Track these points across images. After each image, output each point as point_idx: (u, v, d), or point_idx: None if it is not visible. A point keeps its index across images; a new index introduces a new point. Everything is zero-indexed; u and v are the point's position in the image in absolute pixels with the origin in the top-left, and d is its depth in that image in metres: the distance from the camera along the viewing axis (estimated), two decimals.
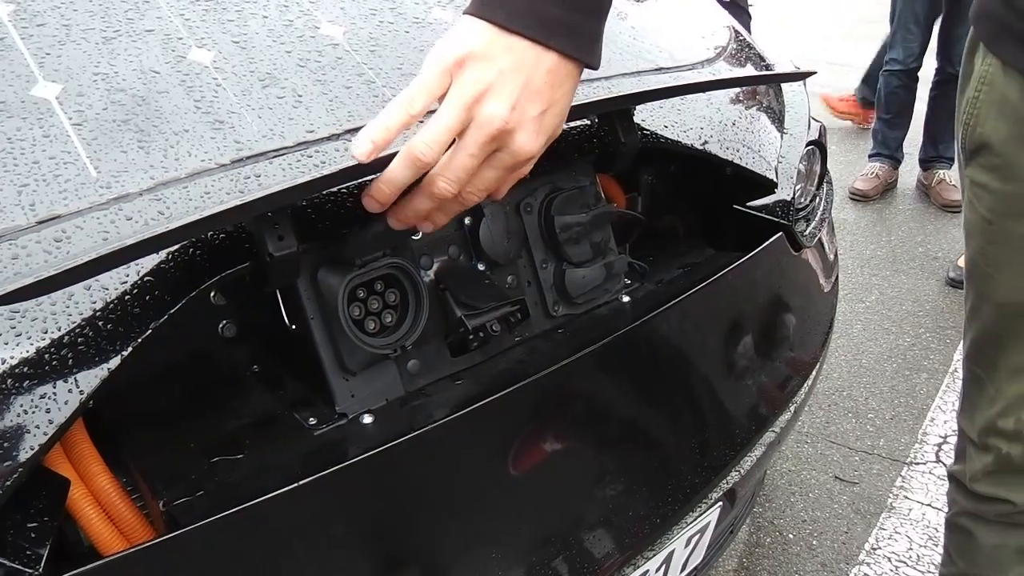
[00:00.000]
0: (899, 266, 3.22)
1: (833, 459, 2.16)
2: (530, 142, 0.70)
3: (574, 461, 0.96)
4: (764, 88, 1.31)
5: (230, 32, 0.94)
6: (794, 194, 1.24)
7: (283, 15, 0.99)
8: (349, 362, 0.81)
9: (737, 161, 1.14)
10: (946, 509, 1.33)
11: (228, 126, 0.82)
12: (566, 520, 0.96)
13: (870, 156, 3.96)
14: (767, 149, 1.22)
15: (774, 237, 1.14)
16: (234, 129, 0.82)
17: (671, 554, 1.14)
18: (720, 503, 1.18)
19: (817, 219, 1.33)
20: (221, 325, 0.89)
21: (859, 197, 3.81)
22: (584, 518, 0.97)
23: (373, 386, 0.83)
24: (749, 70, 1.35)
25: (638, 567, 1.06)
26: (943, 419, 2.33)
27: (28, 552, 0.61)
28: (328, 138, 0.84)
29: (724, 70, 1.25)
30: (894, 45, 3.77)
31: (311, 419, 0.81)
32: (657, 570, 1.13)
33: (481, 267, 0.91)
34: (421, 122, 0.68)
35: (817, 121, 1.39)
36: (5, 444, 0.60)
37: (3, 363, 0.62)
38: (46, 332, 0.64)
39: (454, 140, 0.68)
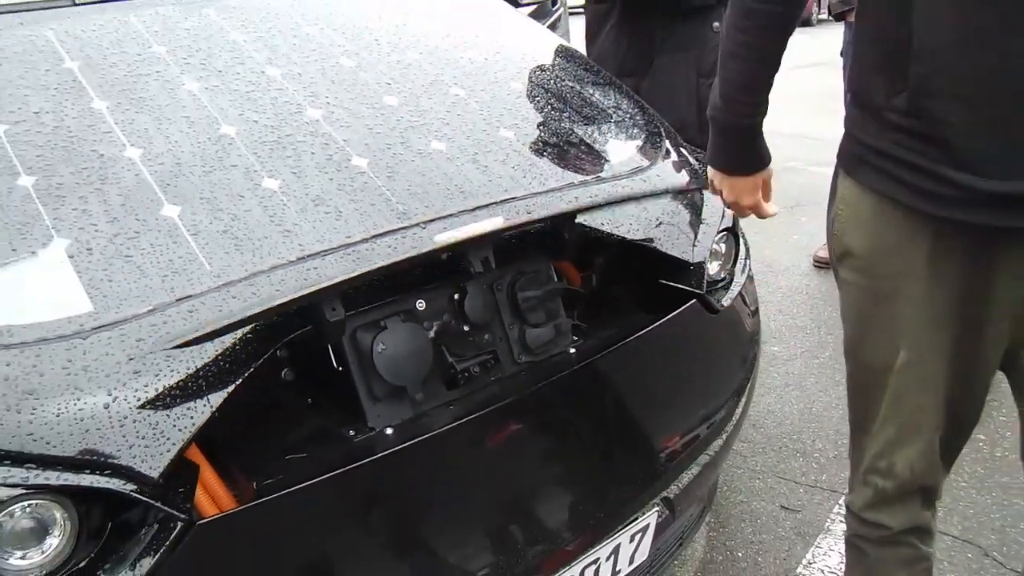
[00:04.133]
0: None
1: (781, 491, 2.52)
2: None
3: (536, 464, 1.34)
4: (685, 192, 1.71)
5: (289, 165, 1.35)
6: (708, 270, 1.63)
7: (325, 151, 1.40)
8: (376, 392, 1.20)
9: (660, 248, 1.53)
10: None
11: (293, 234, 1.22)
12: (532, 510, 1.33)
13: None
14: (686, 237, 1.62)
15: (688, 304, 1.53)
16: (297, 236, 1.22)
17: (618, 547, 1.50)
18: (656, 508, 1.55)
19: (733, 288, 1.72)
20: (283, 371, 1.28)
21: (821, 264, 4.21)
22: (545, 510, 1.35)
23: (393, 409, 1.22)
24: (680, 176, 1.75)
25: (590, 554, 1.42)
26: None
27: (182, 504, 0.99)
28: (360, 241, 1.24)
29: (653, 177, 1.65)
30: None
31: (351, 431, 1.20)
32: (607, 558, 1.49)
33: (466, 328, 1.30)
34: None
35: (730, 211, 1.79)
36: (168, 436, 0.99)
37: (167, 388, 1.01)
38: (194, 370, 1.03)
39: None
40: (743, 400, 1.83)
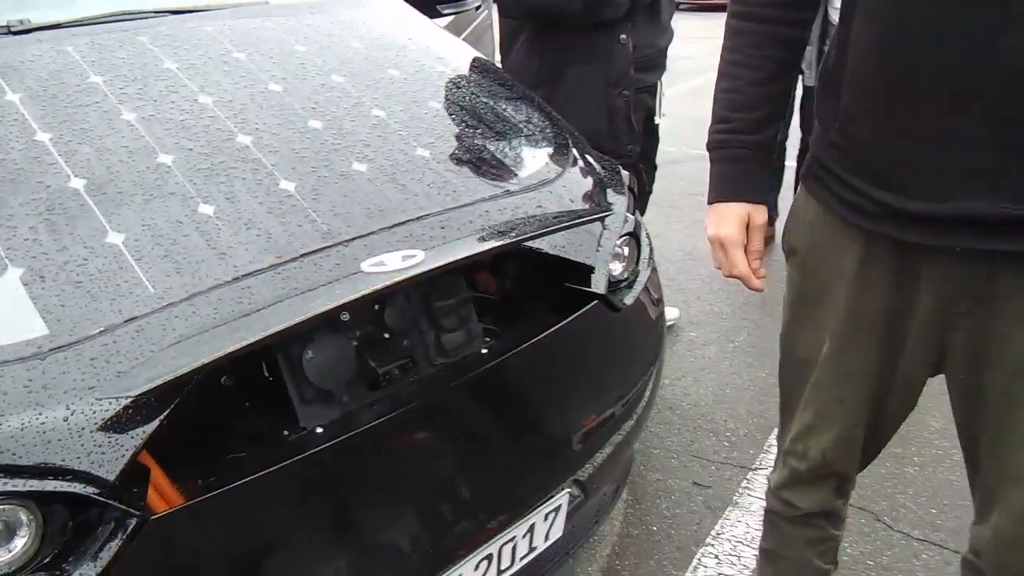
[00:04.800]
0: (767, 309, 3.81)
1: (694, 469, 2.71)
2: None
3: (454, 454, 1.50)
4: (590, 196, 1.87)
5: (222, 191, 1.48)
6: (610, 272, 1.79)
7: (255, 176, 1.54)
8: (307, 396, 1.34)
9: (564, 255, 1.69)
10: None
11: (228, 256, 1.36)
12: (452, 496, 1.49)
13: None
14: (590, 242, 1.78)
15: (590, 304, 1.69)
16: (231, 258, 1.36)
17: (533, 526, 1.66)
18: (568, 490, 1.71)
19: (636, 287, 1.88)
20: (223, 378, 1.42)
21: None
22: (464, 495, 1.51)
23: (322, 410, 1.36)
24: (585, 186, 1.92)
25: (507, 533, 1.59)
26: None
27: (136, 503, 1.13)
28: (289, 260, 1.38)
29: (560, 188, 1.81)
30: None
31: (285, 432, 1.34)
32: (524, 536, 1.65)
33: (387, 335, 1.45)
34: None
35: (633, 217, 1.96)
36: (122, 443, 1.12)
37: (127, 400, 1.14)
38: (147, 384, 1.17)
39: None
40: (649, 388, 2.01)
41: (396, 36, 2.29)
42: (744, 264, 1.48)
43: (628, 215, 1.94)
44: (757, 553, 1.87)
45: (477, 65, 2.33)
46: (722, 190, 1.46)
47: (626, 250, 1.89)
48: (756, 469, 2.71)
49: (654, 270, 2.07)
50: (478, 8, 4.22)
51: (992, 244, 1.18)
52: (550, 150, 1.98)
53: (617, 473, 2.05)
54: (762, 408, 3.04)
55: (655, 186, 3.58)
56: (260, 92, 1.79)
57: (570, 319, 1.64)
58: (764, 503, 2.51)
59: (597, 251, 1.76)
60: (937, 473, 2.67)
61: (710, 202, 1.49)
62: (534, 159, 1.90)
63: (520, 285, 1.75)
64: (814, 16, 1.40)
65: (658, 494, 2.60)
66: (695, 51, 12.02)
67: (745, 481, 2.65)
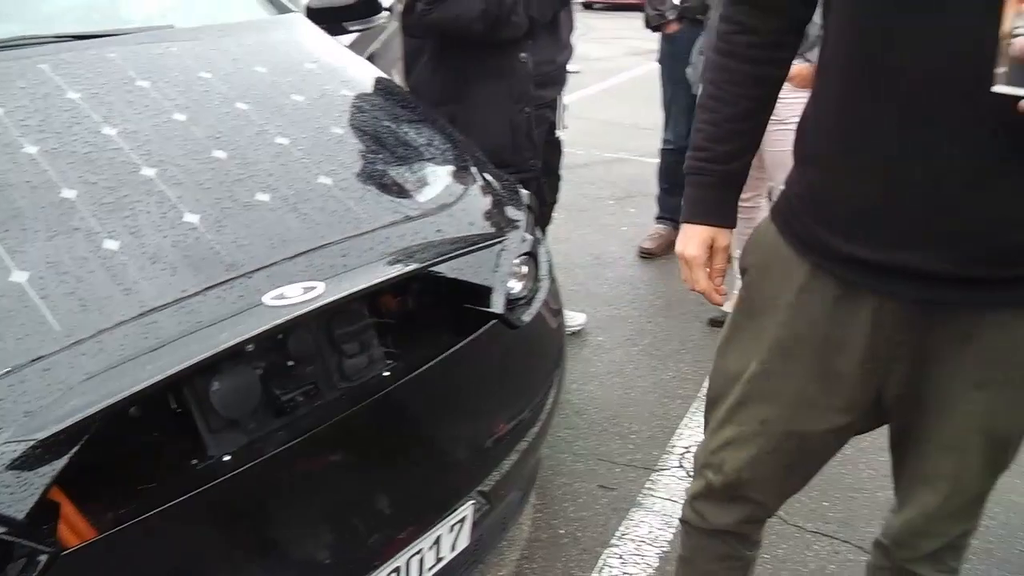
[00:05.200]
0: (672, 312, 3.96)
1: (600, 472, 2.82)
2: None
3: (359, 473, 1.57)
4: (489, 217, 1.95)
5: (127, 225, 1.52)
6: (509, 291, 1.88)
7: (159, 209, 1.58)
8: (214, 425, 1.40)
9: (463, 277, 1.77)
10: (680, 501, 1.90)
11: (133, 292, 1.41)
12: (359, 513, 1.57)
13: (656, 219, 4.72)
14: (489, 262, 1.86)
15: (489, 323, 1.78)
16: (137, 293, 1.41)
17: (439, 537, 1.74)
18: (472, 501, 1.79)
19: (534, 305, 1.97)
20: (131, 409, 1.46)
21: (646, 255, 4.56)
22: (371, 511, 1.58)
23: (229, 439, 1.42)
24: (484, 208, 2.00)
25: (413, 546, 1.66)
26: (688, 434, 3.03)
27: (47, 539, 1.17)
28: (194, 294, 1.43)
29: (459, 212, 1.89)
30: (667, 129, 4.54)
31: (194, 461, 1.39)
32: (430, 548, 1.73)
33: (290, 363, 1.51)
34: None
35: (532, 237, 2.05)
36: (31, 482, 1.17)
37: (33, 442, 1.18)
38: (56, 425, 1.21)
39: None
40: (551, 397, 2.10)
41: (301, 60, 2.34)
42: (705, 282, 1.57)
43: (526, 235, 2.02)
44: (659, 552, 1.97)
45: (381, 87, 2.39)
46: (692, 212, 1.57)
47: (524, 268, 1.98)
48: (659, 470, 2.83)
49: (553, 281, 2.17)
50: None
51: (926, 295, 1.29)
52: (450, 173, 2.05)
53: (523, 481, 2.14)
54: (665, 410, 3.17)
55: (564, 190, 3.68)
56: (164, 122, 1.83)
57: (469, 340, 1.72)
58: (665, 503, 2.65)
59: (495, 272, 1.84)
60: (828, 468, 2.79)
61: (681, 221, 1.59)
62: (434, 183, 1.97)
63: (421, 307, 1.82)
64: (792, 56, 1.49)
65: (565, 497, 2.69)
66: (609, 52, 12.25)
67: (649, 482, 2.76)
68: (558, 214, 3.69)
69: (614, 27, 14.04)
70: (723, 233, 1.55)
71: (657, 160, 4.75)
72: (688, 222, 1.57)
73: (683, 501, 1.76)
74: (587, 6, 20.27)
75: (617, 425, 3.08)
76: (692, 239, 1.55)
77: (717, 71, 1.51)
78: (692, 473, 1.73)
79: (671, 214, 4.67)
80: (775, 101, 1.52)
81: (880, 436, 1.57)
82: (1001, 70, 0.99)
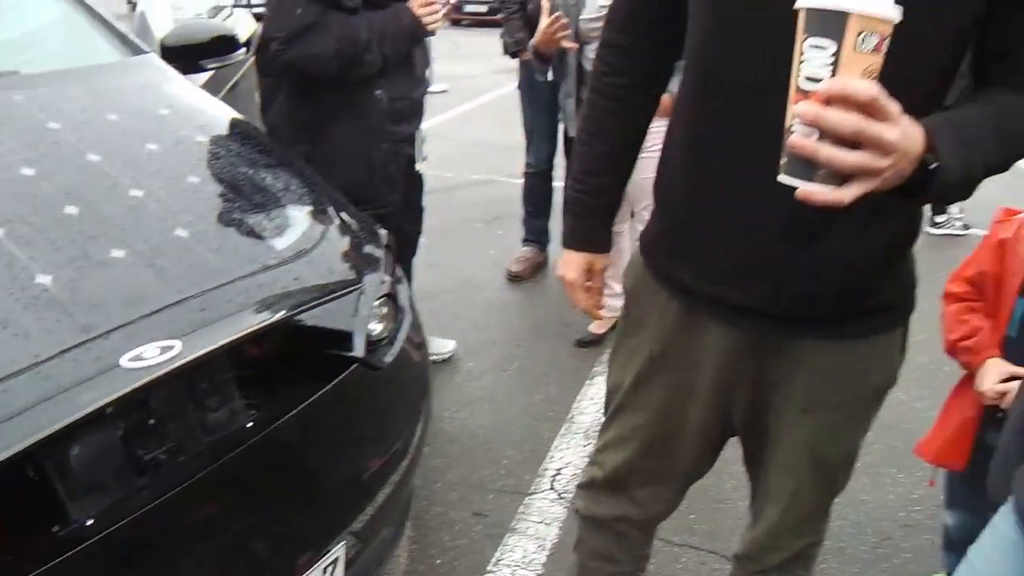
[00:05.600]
0: (540, 335, 4.05)
1: (474, 499, 2.88)
2: None
3: (227, 525, 1.58)
4: (348, 262, 1.99)
5: None
6: (369, 333, 1.91)
7: (9, 271, 1.56)
8: (75, 490, 1.39)
9: (321, 323, 1.80)
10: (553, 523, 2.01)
11: None
12: (228, 564, 1.58)
13: (522, 242, 4.82)
14: (349, 306, 1.89)
15: (350, 368, 1.81)
16: None
17: None
18: (343, 541, 1.82)
19: (395, 345, 2.01)
20: None
21: (514, 278, 4.64)
22: (240, 562, 1.60)
23: (91, 502, 1.42)
24: (343, 251, 2.03)
25: None
26: (559, 456, 3.11)
27: None
28: (48, 359, 1.42)
29: (318, 258, 1.92)
30: (529, 153, 4.65)
31: (55, 527, 1.38)
32: None
33: (152, 421, 1.51)
34: None
35: (390, 278, 2.10)
36: None
37: None
38: None
39: None
40: (417, 432, 2.14)
41: (155, 105, 2.32)
42: (584, 302, 1.73)
43: (385, 276, 2.06)
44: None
45: (237, 130, 2.40)
46: (570, 240, 1.71)
47: (384, 310, 2.02)
48: (532, 494, 2.90)
49: (415, 315, 2.21)
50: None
51: (763, 329, 1.44)
52: (308, 217, 2.07)
53: (396, 515, 2.17)
54: (536, 434, 3.25)
55: (433, 214, 3.73)
56: (11, 178, 1.80)
57: (330, 386, 1.75)
58: (539, 527, 2.72)
59: (354, 316, 1.88)
60: None
61: (563, 246, 1.73)
62: (292, 229, 1.99)
63: (282, 354, 1.84)
64: (663, 92, 1.59)
65: (441, 527, 2.74)
66: (476, 69, 12.34)
67: (522, 507, 2.83)
68: (427, 238, 3.73)
69: (481, 43, 14.12)
70: (599, 258, 1.70)
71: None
72: (568, 248, 1.71)
73: (556, 524, 1.88)
74: (454, 22, 20.38)
75: (489, 451, 3.14)
76: (571, 264, 1.70)
77: (591, 108, 1.63)
78: (564, 495, 1.87)
79: (536, 237, 4.78)
80: (646, 136, 1.64)
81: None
82: (783, 161, 1.08)
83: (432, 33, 2.89)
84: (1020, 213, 2.04)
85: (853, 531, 2.78)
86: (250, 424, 1.64)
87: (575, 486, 1.93)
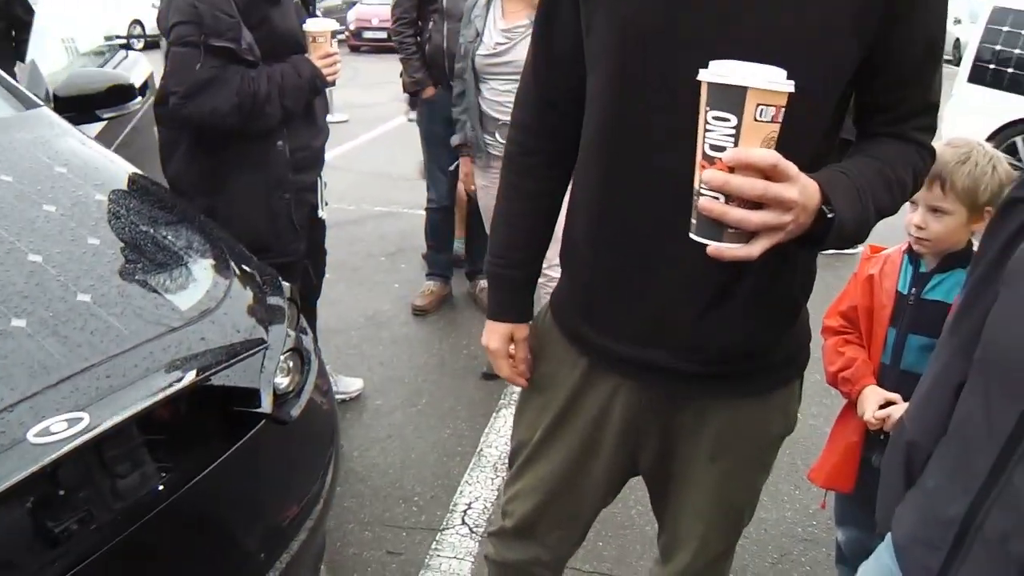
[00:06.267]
0: (446, 369, 4.10)
1: (387, 538, 2.91)
2: None
3: None
4: (252, 318, 2.02)
5: None
6: (276, 387, 1.95)
7: None
8: None
9: (229, 381, 1.83)
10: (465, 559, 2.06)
11: None
12: None
13: (426, 276, 4.87)
14: (255, 361, 1.92)
15: (259, 425, 1.85)
16: None
17: None
18: None
19: (302, 398, 2.05)
20: None
21: (419, 312, 4.69)
22: None
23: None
24: (247, 306, 2.06)
25: None
26: (469, 491, 3.17)
27: None
28: None
29: (222, 317, 1.94)
30: (430, 188, 4.71)
31: None
32: None
33: (61, 493, 1.53)
34: None
35: (295, 332, 2.13)
36: None
37: None
38: None
39: None
40: (329, 476, 2.18)
41: (51, 163, 2.31)
42: (507, 370, 1.76)
43: (290, 331, 2.10)
44: None
45: (136, 187, 2.41)
46: (494, 311, 1.76)
47: (290, 364, 2.06)
48: (444, 529, 2.95)
49: (321, 363, 2.25)
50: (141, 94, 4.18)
51: (669, 387, 1.54)
52: (211, 276, 2.10)
53: (311, 561, 2.20)
54: (446, 469, 3.30)
55: (335, 249, 3.75)
56: None
57: (239, 444, 1.78)
58: (452, 562, 2.77)
59: (261, 372, 1.91)
60: None
61: (487, 318, 1.77)
62: (196, 288, 2.01)
63: (191, 414, 1.86)
64: (572, 167, 1.63)
65: (355, 568, 2.77)
66: (376, 98, 12.30)
67: (435, 543, 2.88)
68: (330, 274, 3.74)
69: (380, 70, 14.09)
70: (520, 328, 1.74)
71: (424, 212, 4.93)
72: (492, 319, 1.75)
73: (468, 559, 1.93)
74: (353, 48, 20.33)
75: (400, 489, 3.18)
76: (494, 334, 1.74)
77: (507, 187, 1.71)
78: (475, 529, 1.93)
79: (441, 270, 4.84)
80: (560, 208, 1.72)
81: None
82: (693, 222, 1.18)
83: (332, 84, 2.93)
84: (884, 250, 2.19)
85: (755, 548, 2.90)
86: (161, 487, 1.66)
87: (487, 532, 1.99)
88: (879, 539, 1.34)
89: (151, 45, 15.63)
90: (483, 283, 4.84)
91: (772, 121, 1.09)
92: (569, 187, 1.64)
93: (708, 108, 1.11)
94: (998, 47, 6.90)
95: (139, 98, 3.31)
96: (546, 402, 1.69)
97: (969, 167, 1.95)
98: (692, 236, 1.18)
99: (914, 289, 2.08)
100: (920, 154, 1.42)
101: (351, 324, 4.54)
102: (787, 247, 1.21)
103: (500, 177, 1.72)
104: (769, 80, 1.08)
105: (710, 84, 1.11)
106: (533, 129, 1.63)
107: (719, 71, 1.10)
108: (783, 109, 1.10)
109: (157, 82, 3.40)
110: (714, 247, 1.15)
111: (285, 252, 2.84)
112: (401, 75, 4.52)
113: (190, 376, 1.68)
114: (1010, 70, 6.91)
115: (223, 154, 2.74)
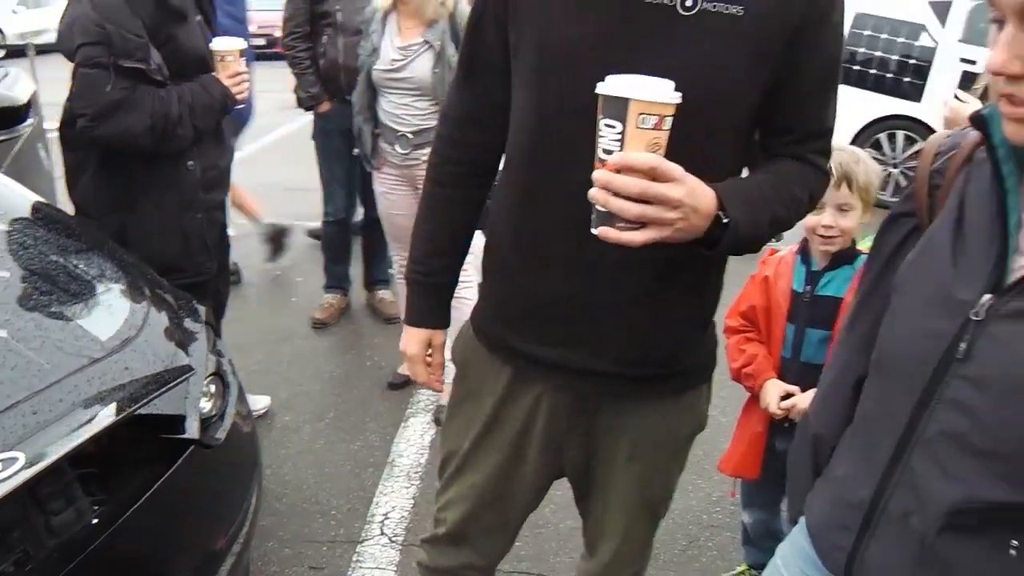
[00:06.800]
0: (352, 381, 4.13)
1: (308, 554, 2.92)
2: None
3: None
4: (173, 344, 2.03)
5: None
6: (201, 411, 1.97)
7: None
8: None
9: (155, 411, 1.84)
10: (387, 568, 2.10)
11: None
12: None
13: (325, 288, 4.85)
14: (179, 388, 1.94)
15: (187, 452, 1.86)
16: None
17: None
18: None
19: (225, 421, 2.07)
20: None
21: (319, 325, 4.68)
22: None
23: None
24: (166, 329, 2.07)
25: None
26: (385, 500, 3.21)
27: None
28: None
29: (142, 345, 1.95)
30: (327, 202, 4.69)
31: None
32: None
33: None
34: None
35: (218, 355, 2.15)
36: None
37: None
38: None
39: None
40: (253, 500, 2.20)
41: None
42: (424, 375, 1.84)
43: (210, 355, 2.12)
44: None
45: (40, 215, 2.38)
46: (411, 317, 1.81)
47: (212, 388, 2.08)
48: (363, 541, 2.98)
49: (240, 386, 2.27)
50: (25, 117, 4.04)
51: (589, 389, 1.63)
52: (128, 303, 2.10)
53: None
54: (360, 481, 3.33)
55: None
56: None
57: (170, 472, 1.80)
58: (375, 572, 2.81)
59: (186, 399, 1.93)
60: None
61: (404, 323, 1.83)
62: (114, 317, 2.01)
63: (119, 445, 1.86)
64: (492, 181, 1.72)
65: None
66: (264, 106, 12.01)
67: (355, 555, 2.91)
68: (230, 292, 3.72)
69: (261, 79, 13.76)
70: (438, 333, 1.81)
71: (319, 223, 4.92)
72: (409, 325, 1.81)
73: (390, 568, 1.97)
74: None
75: (317, 503, 3.20)
76: (412, 339, 1.80)
77: (428, 196, 1.77)
78: (395, 539, 1.97)
79: (339, 282, 4.84)
80: (478, 219, 1.78)
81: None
82: (593, 217, 1.29)
83: (242, 103, 2.92)
84: (778, 252, 2.35)
85: (665, 538, 3.02)
86: (96, 521, 1.67)
87: (419, 539, 2.01)
88: (783, 520, 1.45)
89: (15, 54, 14.94)
90: (381, 293, 4.88)
91: (655, 128, 1.21)
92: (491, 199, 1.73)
93: (601, 116, 1.24)
94: (861, 49, 7.31)
95: (30, 120, 3.24)
96: (474, 412, 1.75)
97: (863, 166, 2.17)
98: (592, 231, 1.29)
99: (808, 287, 2.24)
100: (816, 175, 1.55)
101: (252, 341, 4.49)
102: (686, 251, 1.35)
103: (423, 187, 1.78)
104: (651, 92, 1.20)
105: (602, 95, 1.23)
106: (456, 142, 1.70)
107: (610, 84, 1.23)
108: (667, 119, 1.22)
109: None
110: (601, 229, 1.27)
111: (199, 272, 2.82)
112: (295, 90, 4.50)
113: (122, 408, 1.69)
114: (873, 71, 7.33)
115: (133, 176, 2.70)
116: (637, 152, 1.22)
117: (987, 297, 1.05)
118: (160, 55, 2.61)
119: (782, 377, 2.25)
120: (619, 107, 1.21)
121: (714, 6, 1.35)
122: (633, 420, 1.67)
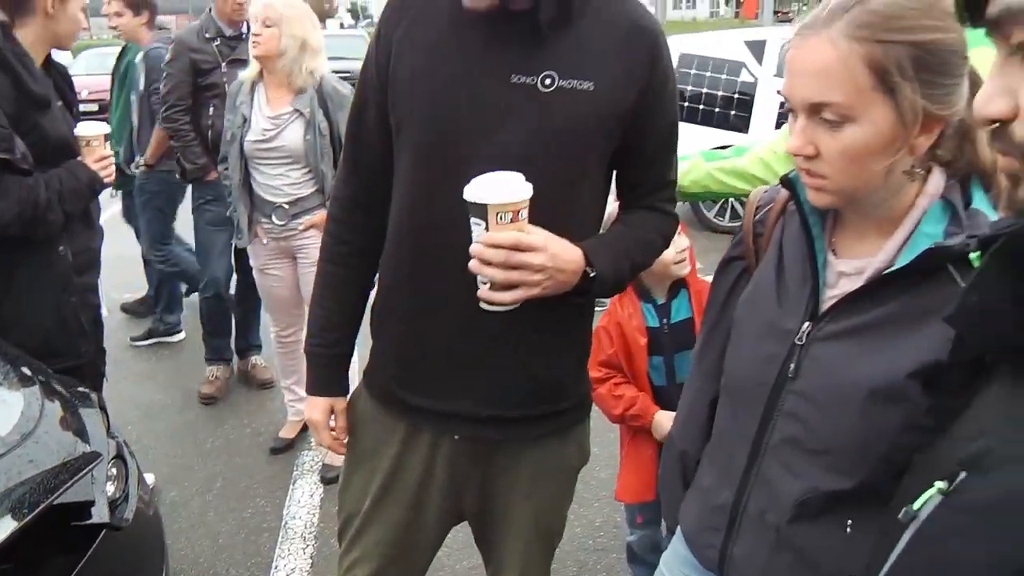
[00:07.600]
0: (234, 449, 4.15)
1: None
2: None
3: None
4: (72, 432, 2.09)
5: None
6: (108, 494, 2.03)
7: None
8: None
9: (65, 500, 1.90)
10: None
11: None
12: None
13: (207, 361, 4.80)
14: (86, 478, 2.00)
15: (100, 535, 1.93)
16: None
17: None
18: None
19: (131, 501, 2.13)
20: None
21: (208, 400, 4.63)
22: None
23: None
24: (64, 418, 2.12)
25: None
26: (284, 564, 3.25)
27: None
28: None
29: (43, 436, 2.00)
30: (204, 275, 4.70)
31: None
32: None
33: None
34: None
35: (115, 438, 2.22)
36: None
37: None
38: None
39: None
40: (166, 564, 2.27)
41: None
42: (328, 440, 1.91)
43: (110, 440, 2.18)
44: None
45: None
46: (314, 387, 1.90)
47: (115, 470, 2.14)
48: None
49: (138, 467, 2.34)
50: None
51: (484, 434, 1.76)
52: (21, 396, 2.13)
53: None
54: (256, 547, 3.37)
55: None
56: None
57: (86, 559, 1.86)
58: None
59: (93, 484, 1.99)
60: None
61: (307, 393, 1.92)
62: (9, 412, 2.04)
63: (28, 537, 1.91)
64: (380, 254, 1.81)
65: None
66: None
67: None
68: None
69: None
70: (340, 400, 1.90)
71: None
72: (311, 395, 1.90)
73: None
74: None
75: (213, 573, 3.23)
76: (316, 408, 1.89)
77: (321, 274, 1.89)
78: None
79: (220, 354, 4.80)
80: (371, 292, 1.90)
81: None
82: (479, 285, 1.51)
83: (109, 185, 2.96)
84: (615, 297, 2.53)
85: (556, 566, 3.13)
86: None
87: None
88: (665, 535, 1.64)
89: None
90: (255, 359, 4.90)
91: (512, 221, 1.45)
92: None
93: (470, 215, 1.46)
94: (688, 87, 7.79)
95: None
96: (372, 471, 1.83)
97: None
98: (478, 295, 1.51)
99: (664, 320, 2.50)
100: (667, 220, 1.80)
101: (126, 419, 4.40)
102: (562, 302, 1.58)
103: (317, 264, 1.91)
104: (504, 195, 1.43)
105: (467, 201, 1.45)
106: (344, 223, 1.84)
107: (472, 189, 1.44)
108: (523, 210, 1.46)
109: None
110: (481, 291, 1.50)
111: (76, 355, 2.82)
112: (178, 161, 4.51)
113: (37, 501, 1.75)
114: (701, 106, 7.82)
115: (5, 263, 2.70)
116: (502, 232, 1.46)
117: (806, 324, 1.29)
118: (24, 143, 2.64)
119: (663, 404, 2.46)
120: (479, 210, 1.45)
121: (568, 83, 1.57)
122: (529, 457, 1.81)
